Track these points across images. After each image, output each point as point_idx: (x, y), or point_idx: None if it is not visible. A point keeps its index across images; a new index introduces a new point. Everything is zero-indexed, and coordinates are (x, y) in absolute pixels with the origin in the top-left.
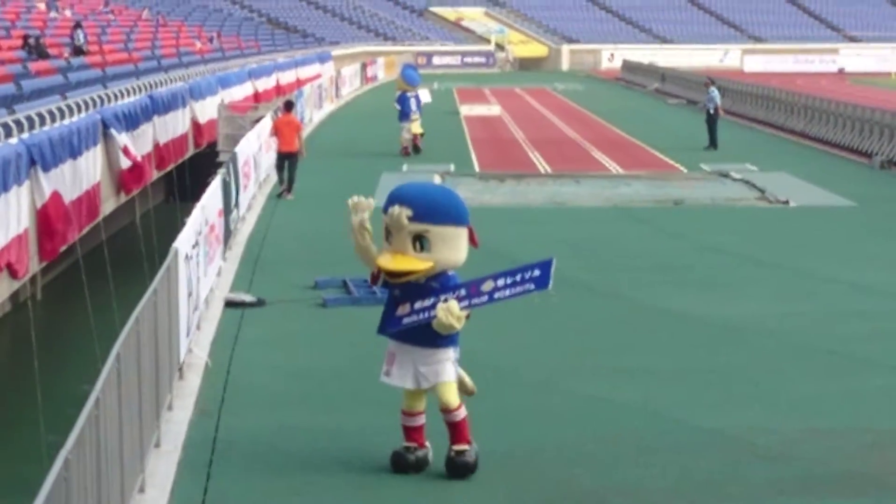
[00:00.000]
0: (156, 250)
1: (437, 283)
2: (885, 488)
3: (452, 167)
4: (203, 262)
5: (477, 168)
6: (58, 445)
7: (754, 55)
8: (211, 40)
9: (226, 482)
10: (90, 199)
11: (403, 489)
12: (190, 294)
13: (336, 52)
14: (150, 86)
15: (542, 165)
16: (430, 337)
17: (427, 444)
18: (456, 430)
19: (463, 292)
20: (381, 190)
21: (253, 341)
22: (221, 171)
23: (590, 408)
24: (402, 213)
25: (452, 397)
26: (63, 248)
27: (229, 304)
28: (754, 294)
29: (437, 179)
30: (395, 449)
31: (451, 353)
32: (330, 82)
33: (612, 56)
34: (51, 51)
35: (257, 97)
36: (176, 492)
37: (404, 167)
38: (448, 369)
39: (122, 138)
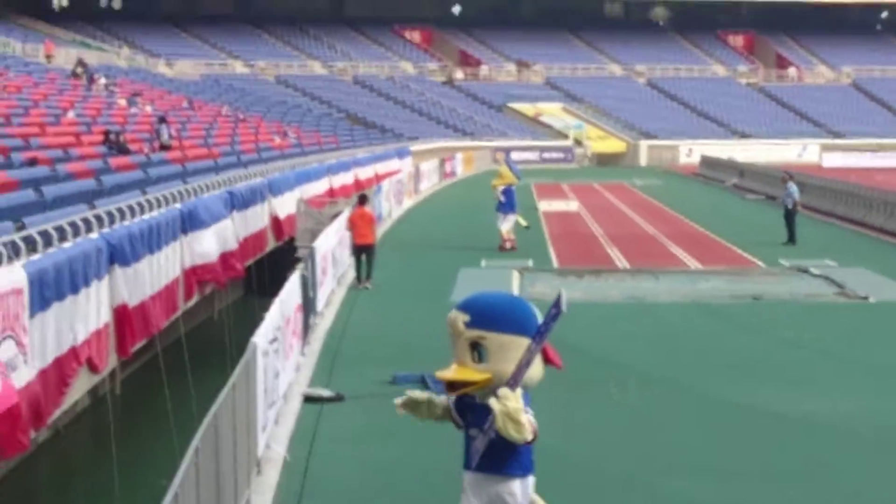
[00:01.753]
0: (234, 345)
1: None
2: None
3: (531, 262)
4: (281, 357)
5: (555, 264)
6: None
7: (833, 151)
8: (286, 135)
9: None
10: (169, 295)
11: None
12: (267, 390)
13: (415, 147)
14: (230, 181)
15: (621, 261)
16: (492, 460)
17: None
18: None
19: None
20: (459, 285)
21: (331, 436)
22: (300, 266)
23: None
24: (458, 317)
25: None
26: (141, 343)
27: (308, 400)
28: (834, 390)
29: (515, 275)
30: None
31: (513, 487)
32: (409, 178)
33: (691, 151)
34: (131, 146)
35: (335, 192)
36: None
37: (483, 263)
38: None
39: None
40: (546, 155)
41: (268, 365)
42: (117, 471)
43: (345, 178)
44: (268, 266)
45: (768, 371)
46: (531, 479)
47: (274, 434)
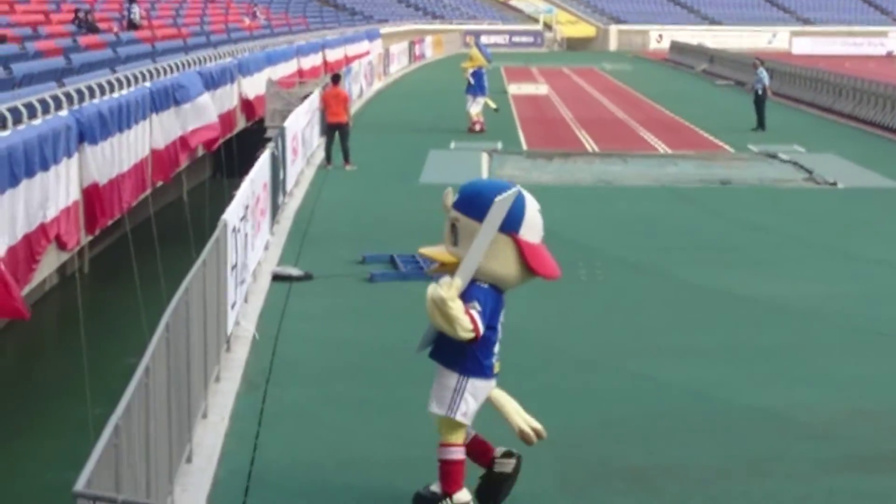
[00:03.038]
0: (204, 225)
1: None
2: None
3: (500, 145)
4: (251, 236)
5: (525, 146)
6: (104, 418)
7: (802, 37)
8: (256, 16)
9: (272, 454)
10: (138, 174)
11: None
12: (234, 266)
13: (384, 29)
14: (200, 61)
15: (590, 144)
16: (440, 350)
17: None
18: (442, 470)
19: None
20: (428, 166)
21: (300, 315)
22: (270, 146)
23: (636, 386)
24: (447, 193)
25: (444, 430)
26: (111, 221)
27: (277, 278)
28: (801, 274)
29: (484, 157)
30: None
31: (453, 380)
32: (378, 60)
33: (661, 37)
34: (100, 25)
35: (305, 74)
36: (223, 462)
37: (452, 145)
38: (444, 400)
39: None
40: (516, 39)
41: (237, 242)
42: (86, 349)
43: (314, 60)
44: (237, 147)
45: (736, 255)
46: (479, 384)
47: (243, 312)
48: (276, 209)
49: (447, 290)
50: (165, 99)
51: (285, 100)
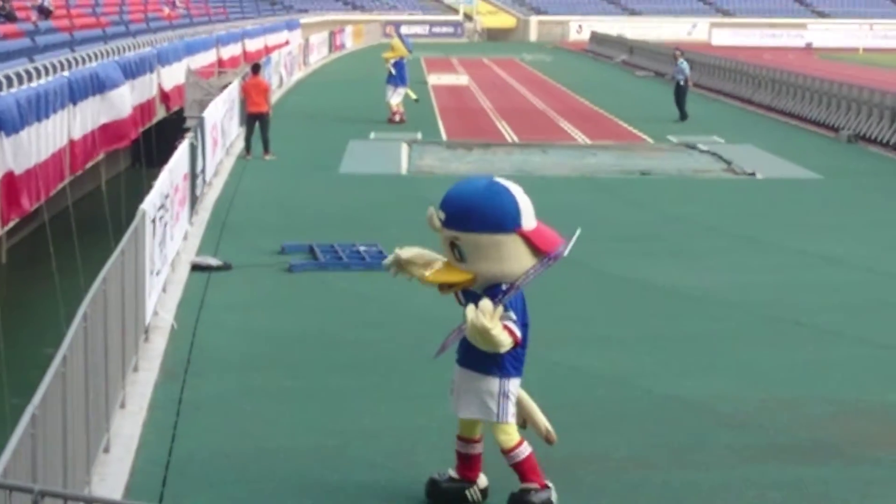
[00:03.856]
0: (122, 215)
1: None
2: (846, 457)
3: (420, 135)
4: (170, 225)
5: (444, 137)
6: (21, 409)
7: (722, 28)
8: (175, 5)
9: (191, 443)
10: (56, 163)
11: (371, 451)
12: (154, 257)
13: (304, 20)
14: (119, 50)
15: (510, 135)
16: (472, 357)
17: (480, 479)
18: (518, 471)
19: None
20: (348, 156)
21: (219, 305)
22: (189, 136)
23: (556, 376)
24: (434, 216)
25: (503, 437)
26: (28, 211)
27: (196, 268)
28: (720, 264)
29: (404, 147)
30: (432, 475)
31: (495, 385)
32: (298, 50)
33: (581, 28)
34: (18, 14)
35: (224, 64)
36: (141, 452)
37: (372, 135)
38: (477, 405)
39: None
40: (436, 29)
41: (156, 232)
42: (2, 339)
43: (234, 50)
44: (156, 137)
45: (656, 245)
46: (515, 381)
47: (161, 301)
48: (195, 199)
49: (490, 320)
50: (84, 88)
51: (205, 90)
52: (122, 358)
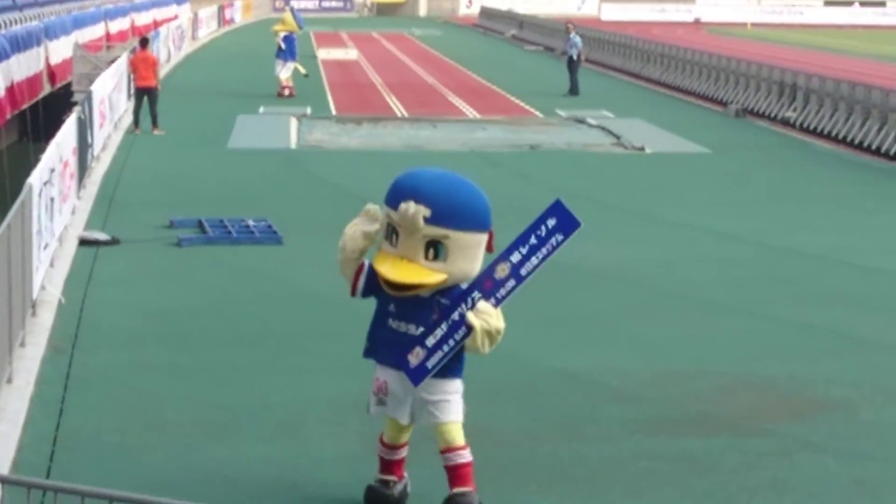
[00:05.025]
0: (8, 190)
1: (446, 299)
2: (736, 430)
3: (309, 110)
4: (57, 200)
5: (334, 111)
6: None
7: (611, 3)
8: None
9: (78, 418)
10: None
11: (260, 424)
12: (40, 231)
13: None
14: (5, 24)
15: (399, 109)
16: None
17: (405, 474)
18: (457, 473)
19: (477, 294)
20: (237, 131)
21: (107, 280)
22: (77, 109)
23: None
24: (418, 212)
25: (458, 436)
26: None
27: (83, 243)
28: (608, 238)
29: (293, 122)
30: (370, 483)
31: (458, 385)
32: (188, 24)
33: (470, 3)
34: None
35: (112, 38)
36: (28, 427)
37: (261, 109)
38: (456, 405)
39: None
40: (325, 4)
41: (42, 206)
42: None
43: (122, 24)
44: (43, 111)
45: None
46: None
47: (49, 276)
48: (83, 173)
49: (498, 319)
50: None
51: (92, 64)
52: (8, 333)
